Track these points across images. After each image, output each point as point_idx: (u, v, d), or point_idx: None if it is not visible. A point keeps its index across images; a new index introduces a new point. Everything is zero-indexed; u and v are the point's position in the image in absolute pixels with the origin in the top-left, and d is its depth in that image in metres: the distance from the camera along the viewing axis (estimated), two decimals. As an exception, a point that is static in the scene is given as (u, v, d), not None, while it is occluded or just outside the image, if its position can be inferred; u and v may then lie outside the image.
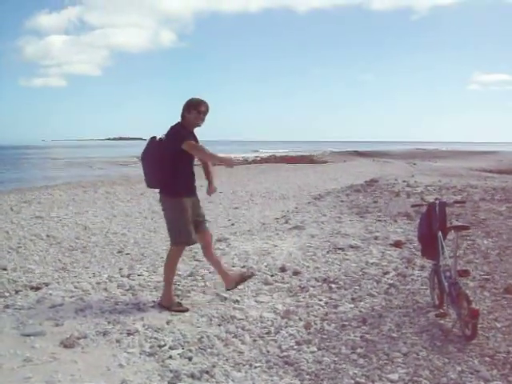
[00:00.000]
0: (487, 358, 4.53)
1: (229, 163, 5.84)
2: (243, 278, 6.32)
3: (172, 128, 5.79)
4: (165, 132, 5.79)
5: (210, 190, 6.12)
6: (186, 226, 5.76)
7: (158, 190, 5.93)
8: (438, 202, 5.74)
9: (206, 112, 5.86)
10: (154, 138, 5.82)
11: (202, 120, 5.87)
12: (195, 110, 5.77)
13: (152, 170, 5.84)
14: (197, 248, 6.98)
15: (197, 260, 7.74)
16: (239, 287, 6.32)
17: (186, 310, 5.75)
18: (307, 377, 4.27)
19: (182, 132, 5.70)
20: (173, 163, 5.67)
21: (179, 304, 5.88)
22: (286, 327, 5.32)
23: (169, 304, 5.80)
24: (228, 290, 6.24)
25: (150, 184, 5.99)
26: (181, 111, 5.83)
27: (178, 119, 5.83)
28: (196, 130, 5.91)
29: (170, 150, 5.65)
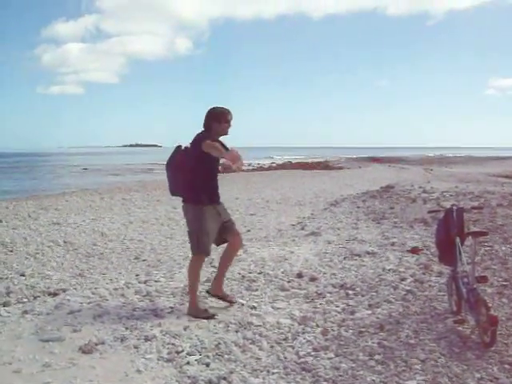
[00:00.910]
0: (506, 366, 4.49)
1: (238, 164, 5.50)
2: (224, 298, 6.23)
3: (197, 135, 5.79)
4: (184, 139, 5.83)
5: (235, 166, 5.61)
6: (204, 237, 5.77)
7: (177, 198, 5.96)
8: (455, 207, 5.72)
9: (231, 120, 5.89)
10: (180, 146, 5.86)
11: (229, 130, 5.90)
12: (225, 120, 5.79)
13: (176, 177, 5.87)
14: (214, 254, 6.98)
15: (213, 266, 7.74)
16: (216, 299, 6.23)
17: (213, 316, 5.75)
18: (324, 383, 4.25)
19: (205, 136, 5.68)
20: (196, 171, 5.68)
21: (206, 311, 5.88)
22: (303, 333, 5.31)
23: (196, 312, 5.81)
24: (207, 292, 6.28)
25: (174, 192, 6.02)
26: (205, 121, 5.83)
27: (200, 128, 5.83)
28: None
29: (193, 156, 5.67)
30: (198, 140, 5.67)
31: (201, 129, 5.85)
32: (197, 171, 5.69)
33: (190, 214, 5.85)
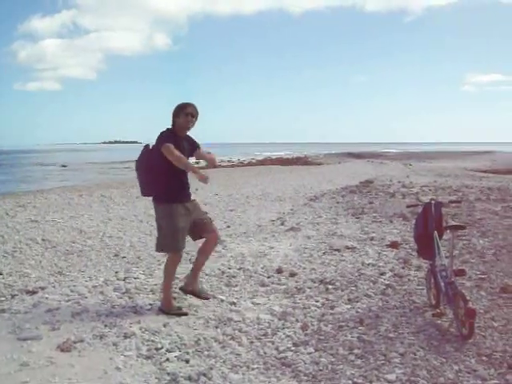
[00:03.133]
0: (484, 358, 4.53)
1: (202, 178, 5.53)
2: (198, 295, 6.22)
3: (160, 133, 5.71)
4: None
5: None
6: (173, 234, 5.71)
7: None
8: (433, 202, 5.76)
9: (193, 114, 5.79)
10: (148, 145, 5.77)
11: (192, 122, 5.81)
12: (182, 112, 5.73)
13: (145, 177, 5.79)
14: (193, 251, 6.96)
15: (193, 263, 7.71)
16: (191, 296, 6.21)
17: (186, 314, 5.74)
18: (304, 378, 4.26)
19: (165, 135, 5.64)
20: (163, 169, 5.58)
21: (179, 308, 5.87)
22: (283, 329, 5.32)
23: (168, 309, 5.79)
24: (180, 289, 6.23)
25: (144, 192, 5.93)
26: (171, 118, 5.79)
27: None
28: (194, 135, 5.91)
29: (158, 155, 5.56)
30: (159, 140, 5.61)
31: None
32: (163, 170, 5.58)
33: (160, 212, 5.81)
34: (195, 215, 5.92)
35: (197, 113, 5.83)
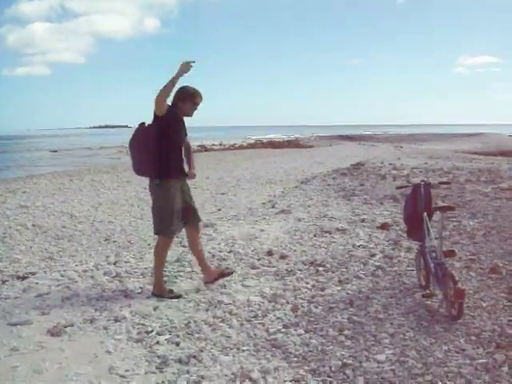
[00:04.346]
0: (473, 337, 4.57)
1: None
2: (222, 275, 6.24)
3: None
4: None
5: (190, 175, 5.87)
6: (170, 215, 5.66)
7: (147, 179, 5.82)
8: (422, 183, 5.76)
9: (199, 103, 5.78)
10: (143, 123, 5.66)
11: (195, 111, 5.80)
12: (191, 101, 5.67)
13: (139, 155, 5.69)
14: (183, 234, 6.96)
15: (183, 246, 7.72)
16: (218, 282, 6.21)
17: (179, 297, 5.74)
18: (295, 359, 4.28)
19: (170, 108, 5.56)
20: (159, 145, 5.52)
21: (171, 291, 5.87)
22: (274, 310, 5.33)
23: (161, 292, 5.79)
24: (206, 283, 6.15)
25: (139, 171, 5.83)
26: (172, 98, 5.66)
27: None
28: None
29: (154, 131, 5.51)
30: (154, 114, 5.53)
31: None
32: (160, 145, 5.52)
33: (155, 191, 5.71)
34: (187, 199, 5.89)
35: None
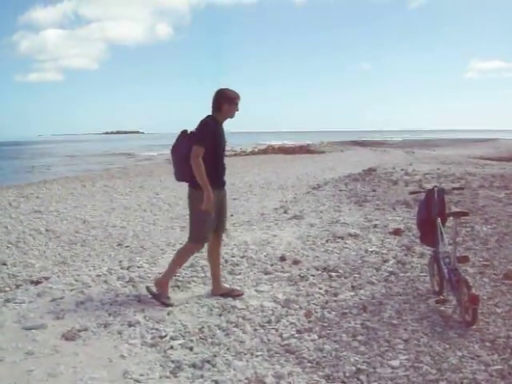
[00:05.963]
0: (488, 343, 4.55)
1: (206, 203, 5.51)
2: (230, 295, 5.98)
3: (201, 121, 5.59)
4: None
5: None
6: (207, 225, 5.63)
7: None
8: (436, 188, 5.74)
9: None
10: (185, 131, 5.67)
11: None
12: (234, 102, 5.68)
13: (179, 162, 5.68)
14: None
15: (199, 252, 7.72)
16: (222, 297, 6.01)
17: (171, 305, 5.63)
18: (308, 364, 4.28)
19: (205, 129, 5.53)
20: (203, 157, 5.46)
21: (168, 298, 5.78)
22: (287, 316, 5.33)
23: (160, 290, 5.75)
24: (213, 294, 6.03)
25: (178, 177, 5.82)
26: (215, 102, 5.64)
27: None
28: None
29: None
30: (200, 128, 5.53)
31: (207, 113, 5.67)
32: (203, 157, 5.46)
33: (193, 199, 5.67)
34: (222, 208, 5.88)
35: None
